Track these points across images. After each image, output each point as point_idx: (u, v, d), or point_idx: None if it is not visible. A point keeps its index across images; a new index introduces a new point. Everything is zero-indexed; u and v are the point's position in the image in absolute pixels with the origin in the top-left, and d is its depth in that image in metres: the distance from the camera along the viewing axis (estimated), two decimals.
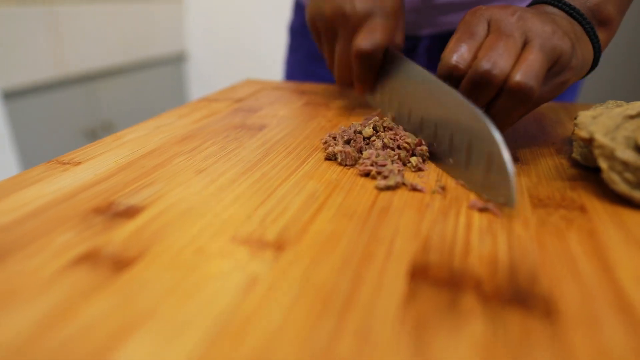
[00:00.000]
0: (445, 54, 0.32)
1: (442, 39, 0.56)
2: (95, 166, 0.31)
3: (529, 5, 0.36)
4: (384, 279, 0.19)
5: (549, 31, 0.30)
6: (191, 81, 2.18)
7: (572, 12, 0.34)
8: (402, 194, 0.27)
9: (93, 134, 1.63)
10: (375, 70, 0.41)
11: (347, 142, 0.34)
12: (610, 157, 0.26)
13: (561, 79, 0.32)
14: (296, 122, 0.42)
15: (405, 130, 0.36)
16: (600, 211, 0.25)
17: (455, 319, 0.17)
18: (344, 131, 0.35)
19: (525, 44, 0.30)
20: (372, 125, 0.35)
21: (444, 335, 0.16)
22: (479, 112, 0.27)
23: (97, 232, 0.23)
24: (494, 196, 0.26)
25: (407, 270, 0.20)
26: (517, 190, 0.26)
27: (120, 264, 0.20)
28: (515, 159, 0.33)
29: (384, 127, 0.35)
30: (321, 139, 0.37)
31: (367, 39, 0.39)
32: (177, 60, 2.08)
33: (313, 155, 0.34)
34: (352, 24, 0.41)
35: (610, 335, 0.16)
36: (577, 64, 0.32)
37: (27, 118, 1.39)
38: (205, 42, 2.10)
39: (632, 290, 0.18)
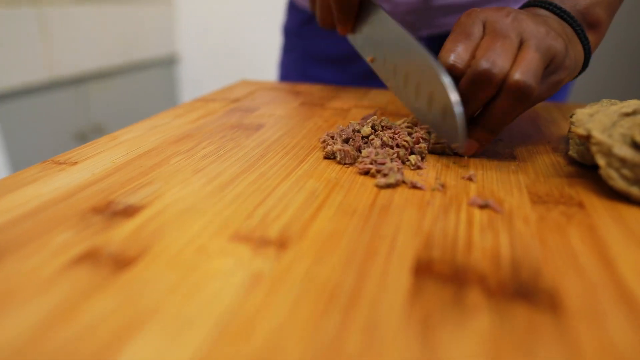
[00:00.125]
0: (443, 53, 0.32)
1: (439, 40, 0.57)
2: (92, 166, 0.31)
3: (521, 8, 0.37)
4: (388, 275, 0.19)
5: (543, 32, 0.31)
6: (183, 83, 2.16)
7: (563, 15, 0.35)
8: (402, 192, 0.27)
9: (83, 137, 1.62)
10: (352, 13, 0.43)
11: (346, 140, 0.34)
12: (608, 153, 0.26)
13: (556, 79, 0.33)
14: (293, 122, 0.42)
15: (381, 75, 0.40)
16: (599, 207, 0.26)
17: (461, 314, 0.17)
18: (342, 130, 0.35)
19: (521, 44, 0.31)
20: (370, 124, 0.35)
21: (450, 329, 0.16)
22: (434, 62, 0.31)
23: (96, 231, 0.22)
24: (449, 138, 0.31)
25: (411, 266, 0.20)
26: (463, 130, 0.30)
27: (121, 263, 0.20)
28: (512, 157, 0.33)
29: (383, 126, 0.35)
30: (319, 139, 0.37)
31: None
32: (168, 63, 2.07)
33: (311, 155, 0.34)
34: None
35: (615, 328, 0.16)
36: (570, 64, 0.33)
37: (16, 120, 1.37)
38: (197, 44, 2.09)
39: (634, 284, 0.19)
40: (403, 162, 0.32)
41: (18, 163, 1.37)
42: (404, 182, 0.28)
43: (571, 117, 0.33)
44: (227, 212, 0.24)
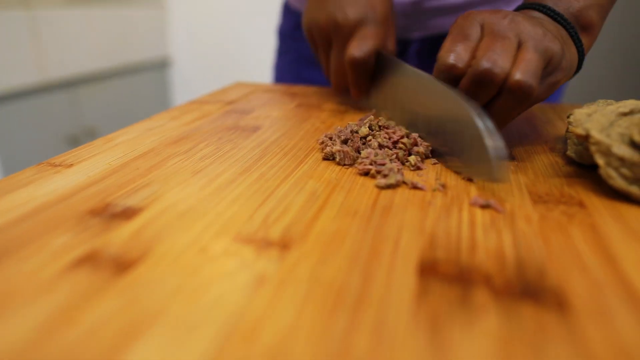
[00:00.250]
0: (442, 54, 0.32)
1: (431, 42, 0.57)
2: (88, 168, 0.30)
3: (515, 11, 0.37)
4: (394, 276, 0.19)
5: (540, 33, 0.31)
6: (175, 87, 2.15)
7: (557, 18, 0.35)
8: (402, 192, 0.27)
9: (75, 140, 1.60)
10: (368, 75, 0.43)
11: (345, 141, 0.34)
12: (607, 153, 0.26)
13: (553, 80, 0.33)
14: (290, 124, 0.42)
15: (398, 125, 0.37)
16: (599, 206, 0.26)
17: (469, 314, 0.17)
18: (340, 131, 0.35)
19: (519, 46, 0.31)
20: (367, 124, 0.35)
21: (459, 330, 0.16)
22: (465, 103, 0.28)
23: (95, 233, 0.22)
24: (487, 179, 0.27)
25: (415, 267, 0.20)
26: (501, 168, 0.26)
27: (122, 265, 0.19)
28: (511, 157, 0.34)
29: (379, 127, 0.35)
30: (317, 140, 0.37)
31: (359, 47, 0.40)
32: (160, 66, 2.06)
33: (310, 156, 0.33)
34: (345, 32, 0.42)
35: (622, 325, 0.16)
36: (566, 65, 0.33)
37: (8, 124, 1.35)
38: (189, 48, 2.08)
39: (638, 281, 0.19)
40: (402, 163, 0.32)
41: (9, 167, 1.36)
42: (404, 182, 0.28)
43: (568, 117, 0.33)
44: (228, 214, 0.24)
